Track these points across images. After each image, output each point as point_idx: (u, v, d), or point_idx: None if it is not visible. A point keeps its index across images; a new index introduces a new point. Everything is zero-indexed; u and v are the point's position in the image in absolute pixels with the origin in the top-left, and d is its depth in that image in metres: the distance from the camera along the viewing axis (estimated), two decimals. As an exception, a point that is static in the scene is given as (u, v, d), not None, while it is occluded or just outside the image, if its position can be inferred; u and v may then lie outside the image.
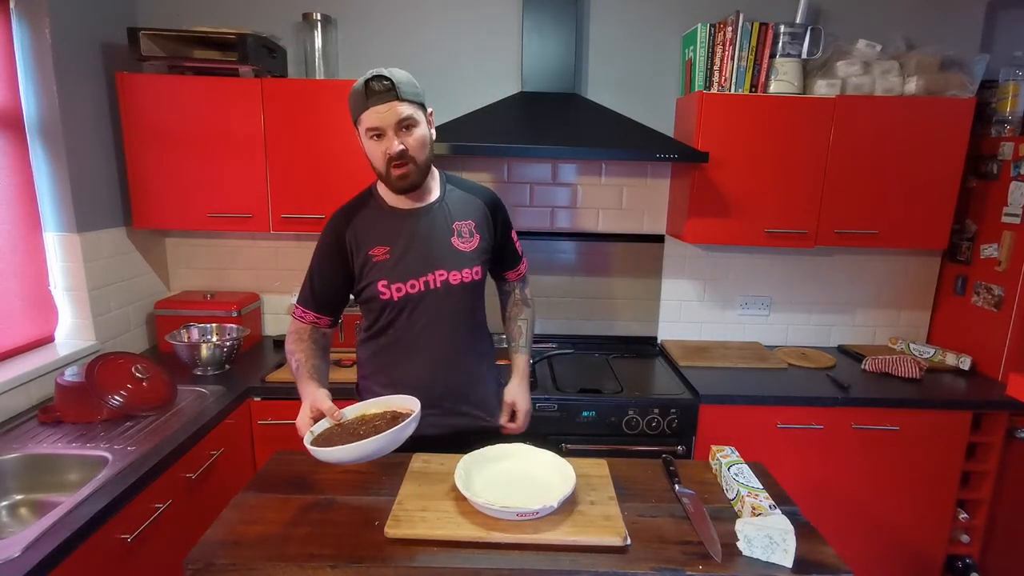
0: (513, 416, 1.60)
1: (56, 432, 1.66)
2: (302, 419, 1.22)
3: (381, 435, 1.11)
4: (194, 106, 2.11)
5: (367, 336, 1.51)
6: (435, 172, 1.48)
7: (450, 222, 1.43)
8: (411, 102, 1.30)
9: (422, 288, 1.40)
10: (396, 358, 1.47)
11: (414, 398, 1.25)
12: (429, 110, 1.38)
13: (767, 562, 1.04)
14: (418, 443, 1.31)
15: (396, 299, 1.41)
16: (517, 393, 1.59)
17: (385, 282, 1.40)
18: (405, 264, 1.40)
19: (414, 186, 1.37)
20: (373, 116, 1.28)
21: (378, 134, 1.30)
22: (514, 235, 1.60)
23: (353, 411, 1.27)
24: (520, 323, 1.65)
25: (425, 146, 1.35)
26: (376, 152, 1.32)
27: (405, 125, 1.30)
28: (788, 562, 1.03)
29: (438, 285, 1.41)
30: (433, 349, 1.45)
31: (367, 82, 1.27)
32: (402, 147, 1.30)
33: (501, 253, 1.57)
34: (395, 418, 1.21)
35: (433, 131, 1.40)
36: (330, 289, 1.46)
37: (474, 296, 1.49)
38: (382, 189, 1.45)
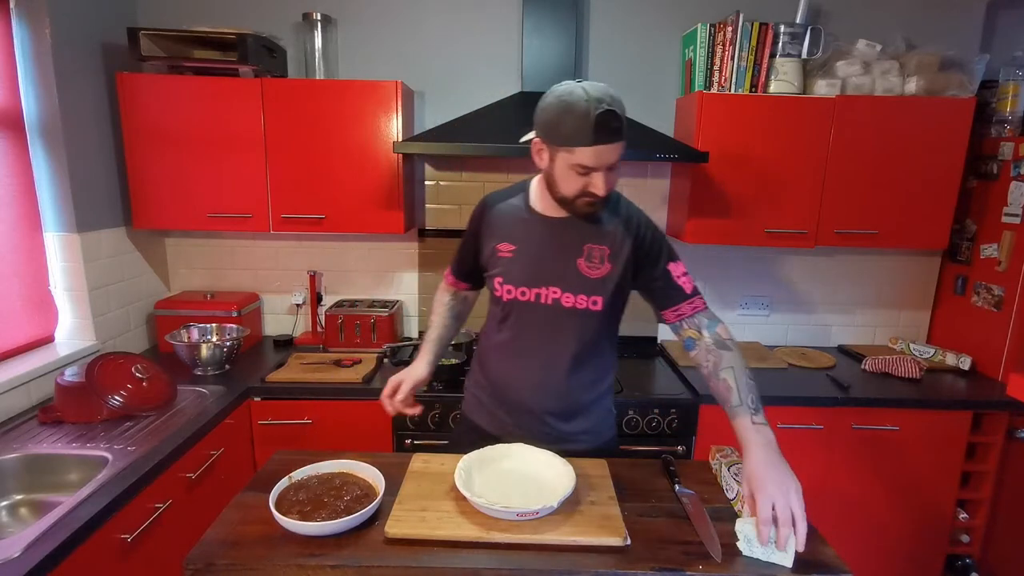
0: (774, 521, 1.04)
1: (56, 432, 1.66)
2: (387, 389, 1.43)
3: (342, 520, 1.07)
4: (194, 106, 2.11)
5: (490, 319, 1.48)
6: None
7: (583, 242, 1.32)
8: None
9: (532, 299, 1.35)
10: (501, 355, 1.44)
11: (377, 472, 1.21)
12: None
13: (767, 562, 1.04)
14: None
15: (506, 300, 1.38)
16: (755, 475, 1.09)
17: (501, 279, 1.37)
18: (523, 269, 1.35)
19: (594, 216, 1.30)
20: (592, 155, 1.16)
21: (583, 171, 1.19)
22: (674, 267, 1.35)
23: (326, 468, 1.25)
24: (725, 375, 1.24)
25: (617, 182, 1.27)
26: (575, 184, 1.22)
27: (614, 167, 1.21)
28: (788, 562, 1.03)
29: (549, 302, 1.34)
30: (531, 364, 1.39)
31: (598, 117, 1.12)
32: (608, 190, 1.22)
33: (654, 287, 1.35)
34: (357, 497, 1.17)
35: None
36: (466, 263, 1.50)
37: (592, 326, 1.36)
38: (535, 189, 1.38)
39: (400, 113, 2.13)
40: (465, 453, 1.27)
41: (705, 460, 1.42)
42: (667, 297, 1.35)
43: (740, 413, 1.18)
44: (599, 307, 1.33)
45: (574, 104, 1.13)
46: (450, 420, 2.03)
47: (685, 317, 1.34)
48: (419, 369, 1.49)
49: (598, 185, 1.19)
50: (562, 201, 1.28)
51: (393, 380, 1.46)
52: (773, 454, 1.12)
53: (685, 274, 1.37)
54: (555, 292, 1.33)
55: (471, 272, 1.51)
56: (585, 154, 1.16)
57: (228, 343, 2.16)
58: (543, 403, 1.40)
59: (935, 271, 2.59)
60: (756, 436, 1.15)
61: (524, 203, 1.39)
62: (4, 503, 1.52)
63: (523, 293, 1.35)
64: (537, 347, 1.38)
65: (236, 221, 2.21)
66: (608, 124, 1.13)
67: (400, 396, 1.45)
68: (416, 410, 1.48)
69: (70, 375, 1.75)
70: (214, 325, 2.32)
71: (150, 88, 2.10)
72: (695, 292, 1.36)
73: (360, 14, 2.38)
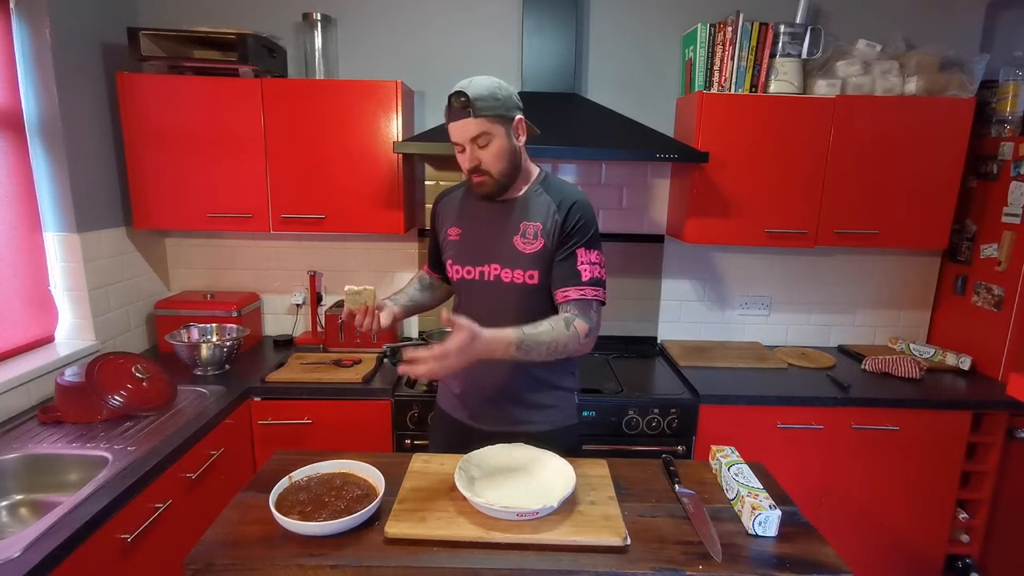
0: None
1: (56, 432, 1.66)
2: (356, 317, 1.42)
3: (343, 519, 1.08)
4: (194, 106, 2.11)
5: (453, 308, 1.54)
6: (532, 171, 1.47)
7: (519, 220, 1.41)
8: (488, 117, 1.31)
9: (477, 277, 1.45)
10: None
11: (378, 472, 1.22)
12: (518, 117, 1.37)
13: (767, 561, 1.04)
14: (472, 435, 1.44)
15: (456, 279, 1.50)
16: (467, 331, 1.17)
17: (451, 261, 1.50)
18: (468, 249, 1.47)
19: (492, 195, 1.40)
20: (452, 131, 1.35)
21: (459, 149, 1.36)
22: (582, 252, 1.37)
23: (326, 468, 1.25)
24: (544, 321, 1.31)
25: (501, 159, 1.35)
26: (460, 162, 1.39)
27: (480, 143, 1.33)
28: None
29: (491, 278, 1.43)
30: None
31: (449, 98, 1.32)
32: (476, 162, 1.34)
33: (557, 264, 1.39)
34: (358, 495, 1.18)
35: (522, 138, 1.39)
36: (433, 252, 1.64)
37: (531, 300, 1.41)
38: None
39: (400, 113, 2.13)
40: (439, 443, 1.36)
41: (705, 460, 1.42)
42: (562, 277, 1.38)
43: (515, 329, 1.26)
44: (535, 281, 1.40)
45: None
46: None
47: (569, 301, 1.36)
48: (387, 300, 1.52)
49: (464, 160, 1.37)
50: (470, 184, 1.42)
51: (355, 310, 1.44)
52: (489, 336, 1.21)
53: (593, 264, 1.38)
54: (496, 268, 1.43)
55: (438, 259, 1.61)
56: (450, 132, 1.35)
57: (228, 343, 2.16)
58: (494, 381, 1.46)
59: (935, 271, 2.59)
60: (500, 333, 1.23)
61: (470, 191, 1.49)
62: (4, 503, 1.52)
63: (468, 272, 1.46)
64: (483, 324, 1.38)
65: (236, 221, 2.21)
66: (455, 101, 1.30)
67: (367, 318, 1.42)
68: (380, 322, 1.45)
69: (70, 375, 1.75)
70: (214, 325, 2.32)
71: (150, 88, 2.10)
72: (592, 283, 1.37)
73: (360, 14, 2.38)
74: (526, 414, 1.48)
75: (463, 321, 1.17)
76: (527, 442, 1.35)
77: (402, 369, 1.16)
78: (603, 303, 1.40)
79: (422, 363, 1.14)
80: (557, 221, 1.39)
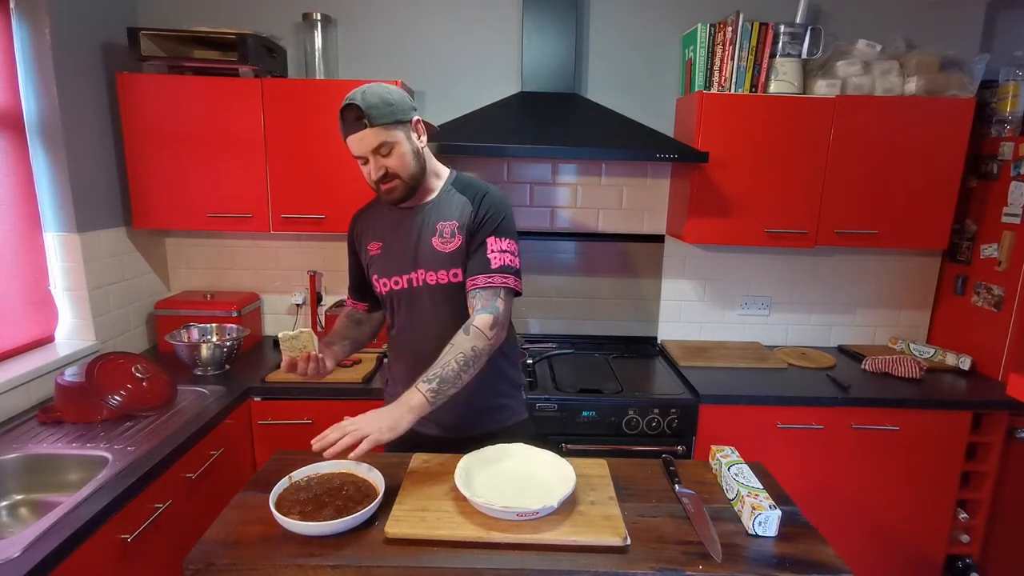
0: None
1: (56, 432, 1.66)
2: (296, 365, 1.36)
3: (343, 519, 1.07)
4: (194, 106, 2.11)
5: (388, 328, 1.55)
6: (441, 172, 1.47)
7: (434, 221, 1.41)
8: (383, 125, 1.29)
9: (405, 285, 1.43)
10: (395, 353, 1.54)
11: (378, 472, 1.23)
12: (414, 118, 1.35)
13: (767, 561, 1.04)
14: (415, 439, 1.35)
15: (384, 293, 1.47)
16: (364, 417, 1.19)
17: (376, 275, 1.47)
18: (392, 260, 1.44)
19: (403, 199, 1.38)
20: (352, 145, 1.31)
21: (363, 161, 1.33)
22: (493, 241, 1.36)
23: (326, 468, 1.26)
24: (445, 350, 1.29)
25: (408, 162, 1.34)
26: (365, 174, 1.36)
27: (383, 152, 1.31)
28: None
29: (420, 284, 1.41)
30: (416, 348, 1.44)
31: (341, 112, 1.30)
32: (382, 171, 1.32)
33: (470, 254, 1.38)
34: (358, 493, 1.18)
35: (423, 138, 1.38)
36: (355, 279, 1.59)
37: (461, 298, 1.39)
38: None
39: (400, 113, 2.13)
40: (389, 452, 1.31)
41: (705, 460, 1.42)
42: (472, 267, 1.37)
43: (419, 382, 1.25)
44: (460, 279, 1.39)
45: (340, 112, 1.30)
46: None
47: (476, 288, 1.35)
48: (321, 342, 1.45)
49: (370, 171, 1.32)
50: (379, 196, 1.39)
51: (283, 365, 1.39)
52: (395, 407, 1.22)
53: (504, 252, 1.37)
54: (421, 273, 1.41)
55: (360, 285, 1.58)
56: (349, 145, 1.32)
57: (228, 343, 2.16)
58: None
59: (935, 271, 2.59)
60: (405, 395, 1.23)
61: (383, 204, 1.46)
62: (4, 503, 1.52)
63: (396, 282, 1.44)
64: (421, 332, 1.43)
65: (236, 221, 2.21)
66: (348, 115, 1.28)
67: (311, 364, 1.37)
68: (326, 366, 1.42)
69: (70, 375, 1.75)
70: (214, 325, 2.32)
71: (150, 88, 2.10)
72: (501, 270, 1.35)
73: (360, 14, 2.38)
74: (476, 417, 1.48)
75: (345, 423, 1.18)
76: (485, 445, 1.32)
77: (327, 453, 1.14)
78: (517, 292, 1.39)
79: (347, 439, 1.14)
80: (470, 215, 1.39)
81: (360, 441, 1.14)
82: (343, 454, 1.14)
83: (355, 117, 1.28)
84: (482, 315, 1.31)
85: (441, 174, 1.47)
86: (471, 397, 1.41)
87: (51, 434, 1.65)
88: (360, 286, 1.58)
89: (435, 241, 1.39)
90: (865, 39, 2.21)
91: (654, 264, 2.59)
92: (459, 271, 1.39)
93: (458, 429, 1.47)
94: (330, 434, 1.15)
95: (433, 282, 1.40)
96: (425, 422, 1.36)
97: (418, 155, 1.37)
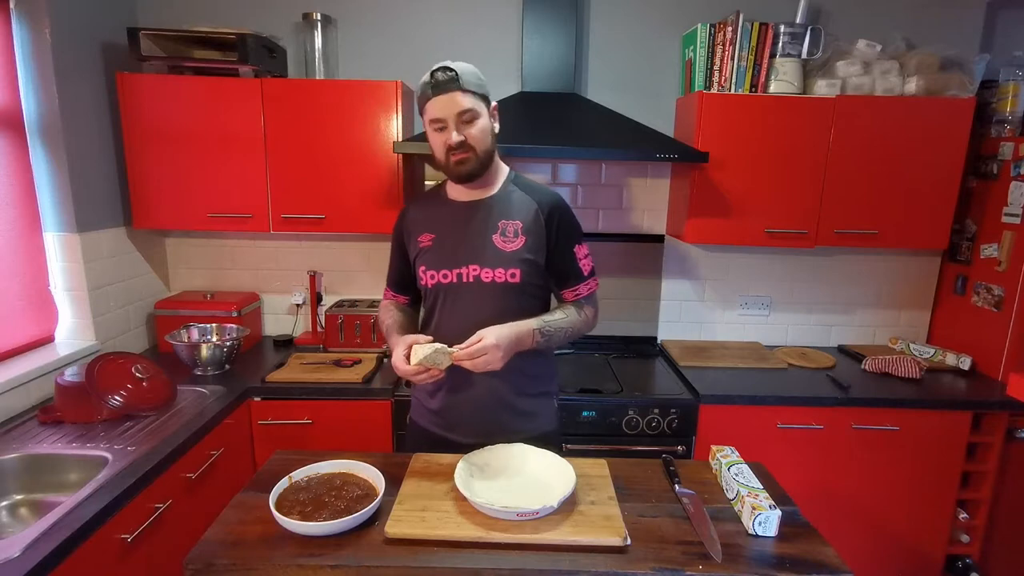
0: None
1: (56, 432, 1.66)
2: (397, 358, 1.30)
3: (343, 519, 1.08)
4: (194, 106, 2.11)
5: (423, 321, 1.52)
6: (502, 168, 1.46)
7: (497, 219, 1.39)
8: (474, 94, 1.31)
9: (454, 280, 1.39)
10: None
11: (378, 472, 1.22)
12: (493, 104, 1.38)
13: (767, 561, 1.04)
14: (450, 448, 1.39)
15: (430, 286, 1.43)
16: (492, 329, 1.28)
17: (424, 267, 1.44)
18: (443, 253, 1.41)
19: (473, 174, 1.36)
20: (436, 107, 1.29)
21: (441, 126, 1.31)
22: (578, 250, 1.44)
23: (326, 468, 1.26)
24: (557, 310, 1.44)
25: (486, 138, 1.34)
26: (438, 142, 1.34)
27: (466, 118, 1.30)
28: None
29: (470, 279, 1.38)
30: (453, 344, 1.34)
31: (432, 72, 1.29)
32: (461, 138, 1.31)
33: (556, 266, 1.43)
34: (356, 495, 1.18)
35: (497, 124, 1.40)
36: (398, 271, 1.57)
37: (513, 298, 1.39)
38: (450, 183, 1.46)
39: (400, 113, 2.13)
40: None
41: (705, 460, 1.42)
42: (568, 276, 1.46)
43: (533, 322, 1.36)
44: (517, 279, 1.38)
45: (424, 76, 1.31)
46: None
47: (580, 297, 1.47)
48: (408, 335, 1.36)
49: (451, 136, 1.30)
50: (445, 170, 1.38)
51: (403, 348, 1.30)
52: (515, 329, 1.32)
53: (587, 256, 1.48)
54: (475, 269, 1.38)
55: (403, 279, 1.57)
56: (431, 108, 1.30)
57: (228, 343, 2.16)
58: (473, 393, 1.42)
59: (935, 271, 2.59)
60: (524, 324, 1.34)
61: (441, 196, 1.48)
62: (4, 503, 1.52)
63: (444, 276, 1.41)
64: (460, 328, 1.35)
65: (236, 221, 2.21)
66: (441, 75, 1.28)
67: (424, 339, 1.32)
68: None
69: (70, 375, 1.75)
70: (214, 325, 2.32)
71: (150, 88, 2.10)
72: (592, 274, 1.48)
73: (360, 14, 2.38)
74: (507, 423, 1.43)
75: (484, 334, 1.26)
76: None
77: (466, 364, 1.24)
78: None
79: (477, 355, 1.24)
80: (541, 222, 1.40)
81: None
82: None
83: (449, 78, 1.27)
84: (590, 307, 1.48)
85: (502, 169, 1.46)
86: (506, 400, 1.43)
87: (51, 434, 1.65)
88: (402, 279, 1.56)
89: (496, 238, 1.38)
90: (865, 39, 2.20)
91: (654, 264, 2.59)
92: (517, 271, 1.38)
93: (489, 434, 1.39)
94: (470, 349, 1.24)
95: (488, 279, 1.38)
96: (457, 428, 1.42)
97: (494, 136, 1.38)
